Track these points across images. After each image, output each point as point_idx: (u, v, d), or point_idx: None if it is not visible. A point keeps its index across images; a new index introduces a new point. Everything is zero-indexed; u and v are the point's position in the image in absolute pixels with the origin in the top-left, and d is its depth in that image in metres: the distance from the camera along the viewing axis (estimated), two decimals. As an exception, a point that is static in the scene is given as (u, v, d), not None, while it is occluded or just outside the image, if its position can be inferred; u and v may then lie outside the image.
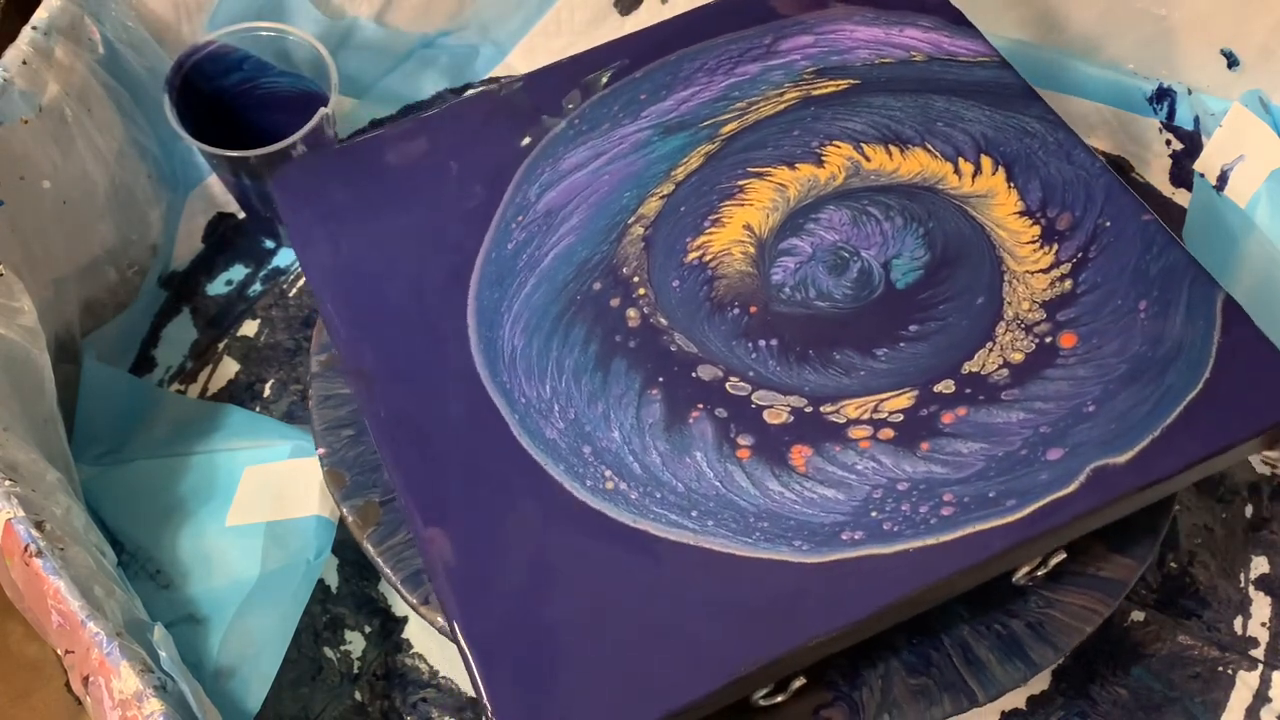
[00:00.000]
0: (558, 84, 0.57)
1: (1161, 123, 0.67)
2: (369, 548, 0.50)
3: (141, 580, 0.54)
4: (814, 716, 0.47)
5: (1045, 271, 0.50)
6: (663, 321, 0.49)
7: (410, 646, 0.55)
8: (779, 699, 0.45)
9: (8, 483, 0.46)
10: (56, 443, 0.54)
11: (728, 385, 0.47)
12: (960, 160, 0.53)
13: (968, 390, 0.46)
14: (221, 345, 0.65)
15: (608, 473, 0.45)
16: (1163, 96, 0.67)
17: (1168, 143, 0.67)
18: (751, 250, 0.51)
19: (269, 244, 0.68)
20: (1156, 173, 0.68)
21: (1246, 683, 0.54)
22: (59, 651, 0.46)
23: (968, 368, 0.47)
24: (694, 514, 0.44)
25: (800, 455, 0.45)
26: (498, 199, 0.53)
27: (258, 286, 0.67)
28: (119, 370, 0.62)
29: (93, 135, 0.59)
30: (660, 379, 0.47)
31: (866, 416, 0.46)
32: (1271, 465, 0.59)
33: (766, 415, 0.46)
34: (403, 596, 0.49)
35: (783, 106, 0.55)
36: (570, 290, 0.50)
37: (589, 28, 0.72)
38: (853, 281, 0.50)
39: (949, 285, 0.49)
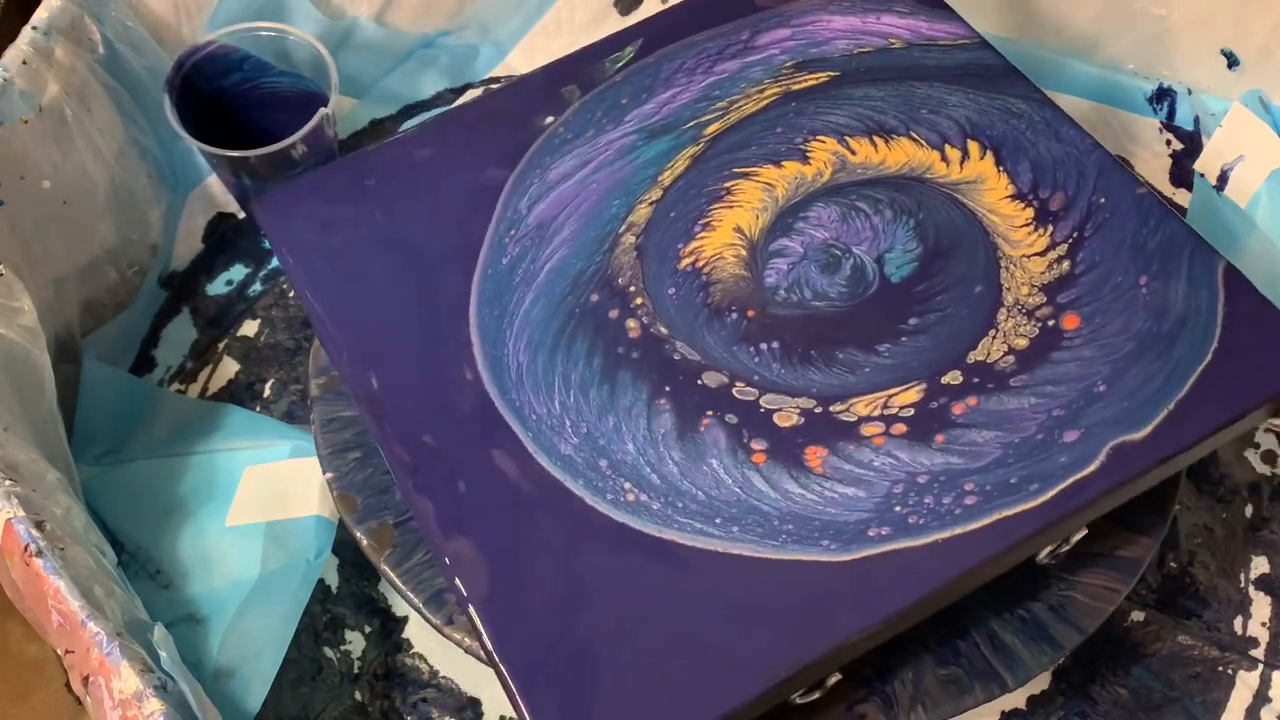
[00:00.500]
0: (540, 91, 0.56)
1: (1161, 123, 0.67)
2: (387, 571, 0.50)
3: (141, 580, 0.54)
4: (848, 713, 0.47)
5: (1042, 254, 0.49)
6: (663, 330, 0.48)
7: (410, 646, 0.55)
8: (815, 695, 0.45)
9: (8, 483, 0.46)
10: (56, 443, 0.54)
11: (734, 391, 0.47)
12: (947, 147, 0.53)
13: (975, 379, 0.46)
14: (221, 345, 0.65)
15: (627, 485, 0.45)
16: (1163, 96, 0.67)
17: (1168, 143, 0.67)
18: (744, 253, 0.51)
19: (269, 244, 0.68)
20: (1156, 173, 0.68)
21: (1246, 683, 0.54)
22: (59, 651, 0.46)
23: (973, 357, 0.47)
24: (717, 521, 0.44)
25: (816, 456, 0.45)
26: (489, 213, 0.52)
27: (258, 286, 0.67)
28: (119, 370, 0.62)
29: (93, 135, 0.59)
30: (667, 388, 0.47)
31: (877, 413, 0.46)
32: (1271, 466, 0.59)
33: (776, 418, 0.46)
34: (426, 619, 0.49)
35: (764, 104, 0.55)
36: (569, 304, 0.49)
37: (589, 28, 0.72)
38: (846, 279, 0.50)
39: (944, 276, 0.49)
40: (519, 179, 0.53)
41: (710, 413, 0.46)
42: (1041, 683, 0.54)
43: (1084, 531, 0.48)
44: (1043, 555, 0.48)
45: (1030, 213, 0.50)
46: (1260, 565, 0.57)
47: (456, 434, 0.46)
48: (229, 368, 0.64)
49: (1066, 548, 0.48)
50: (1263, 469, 0.59)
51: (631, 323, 0.49)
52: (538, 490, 0.45)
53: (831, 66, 0.56)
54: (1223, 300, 0.47)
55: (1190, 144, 0.66)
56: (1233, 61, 0.63)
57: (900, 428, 0.45)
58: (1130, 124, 0.68)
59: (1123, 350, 0.47)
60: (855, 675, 0.47)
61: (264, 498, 0.56)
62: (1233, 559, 0.57)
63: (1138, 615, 0.55)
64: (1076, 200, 0.51)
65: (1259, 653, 0.54)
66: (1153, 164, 0.68)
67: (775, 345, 0.48)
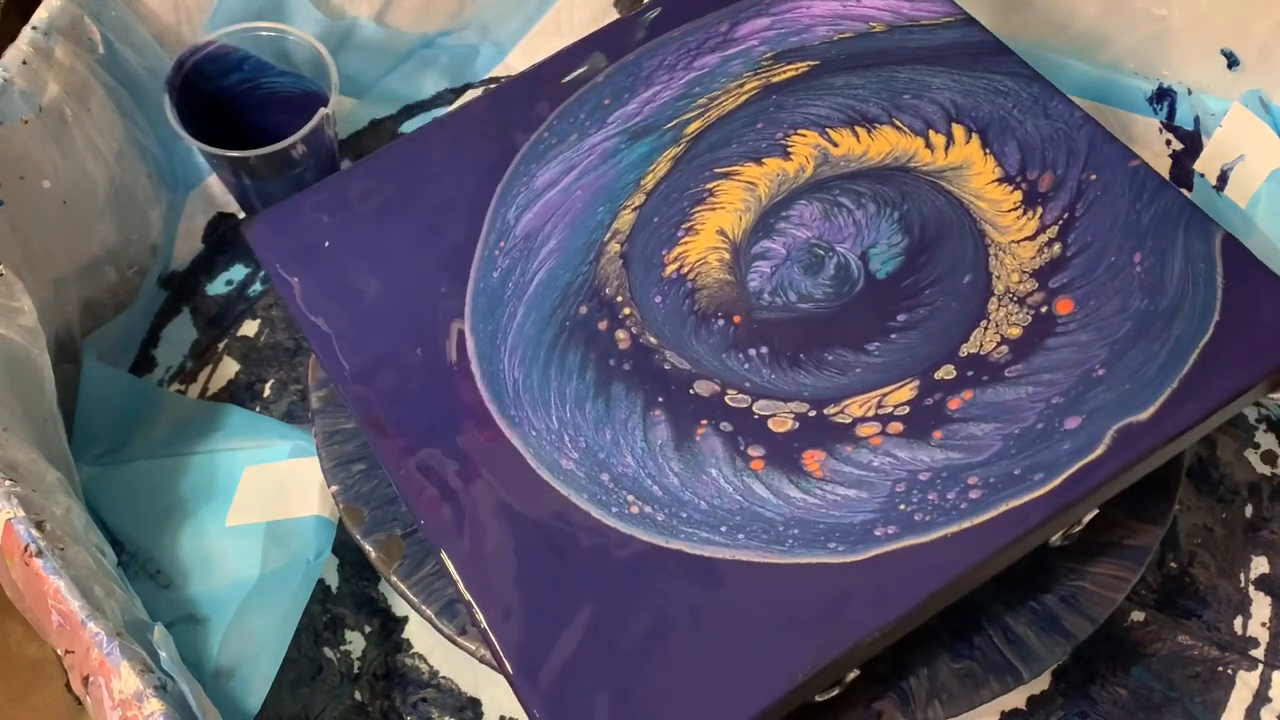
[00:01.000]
0: (524, 96, 0.55)
1: (1161, 123, 0.67)
2: (398, 583, 0.50)
3: (141, 580, 0.54)
4: (866, 710, 0.47)
5: (1031, 239, 0.49)
6: (652, 340, 0.48)
7: (410, 646, 0.55)
8: (834, 692, 0.45)
9: (8, 483, 0.46)
10: (56, 443, 0.54)
11: (727, 399, 0.46)
12: (931, 133, 0.52)
13: (970, 373, 0.46)
14: (221, 345, 0.65)
15: (630, 498, 0.44)
16: (1163, 96, 0.67)
17: (1168, 143, 0.67)
18: (727, 256, 0.50)
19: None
20: (1156, 173, 0.68)
21: (1246, 683, 0.54)
22: (59, 651, 0.46)
23: (965, 350, 0.47)
24: (723, 529, 0.43)
25: (814, 460, 0.45)
26: (479, 225, 0.52)
27: (258, 286, 0.67)
28: (119, 370, 0.62)
29: (93, 135, 0.59)
30: (660, 399, 0.46)
31: (872, 413, 0.46)
32: (1272, 466, 0.59)
33: (771, 424, 0.46)
34: (439, 630, 0.49)
35: (744, 99, 0.54)
36: (559, 316, 0.49)
37: (589, 28, 0.72)
38: (831, 278, 0.49)
39: (932, 268, 0.49)
40: (506, 188, 0.53)
41: (705, 422, 0.46)
42: (1041, 683, 0.53)
43: (1096, 511, 0.47)
44: (1055, 538, 0.48)
45: (1018, 196, 0.50)
46: (1260, 565, 0.57)
47: (460, 451, 0.46)
48: (229, 368, 0.64)
49: (1079, 528, 0.48)
50: (1263, 469, 0.59)
51: (621, 334, 0.48)
52: (544, 506, 0.44)
53: (811, 55, 0.55)
54: (1221, 272, 0.47)
55: (1190, 144, 0.66)
56: (1233, 61, 0.63)
57: (897, 426, 0.45)
58: (1130, 124, 0.68)
59: (1120, 332, 0.46)
60: (871, 673, 0.47)
61: (264, 498, 0.56)
62: (1233, 559, 0.57)
63: (1138, 615, 0.55)
64: (1066, 179, 0.50)
65: (1259, 653, 0.54)
66: (1153, 164, 0.68)
67: (764, 350, 0.47)
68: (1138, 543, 0.50)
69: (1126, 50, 0.66)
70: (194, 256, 0.67)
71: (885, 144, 0.52)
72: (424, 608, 0.49)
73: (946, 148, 0.52)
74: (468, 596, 0.43)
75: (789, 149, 0.53)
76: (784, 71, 0.55)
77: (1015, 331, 0.47)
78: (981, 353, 0.46)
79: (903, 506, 0.43)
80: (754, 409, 0.46)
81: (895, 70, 0.54)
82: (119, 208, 0.61)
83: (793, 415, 0.46)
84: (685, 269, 0.50)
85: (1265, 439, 0.60)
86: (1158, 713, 0.53)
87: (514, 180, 0.53)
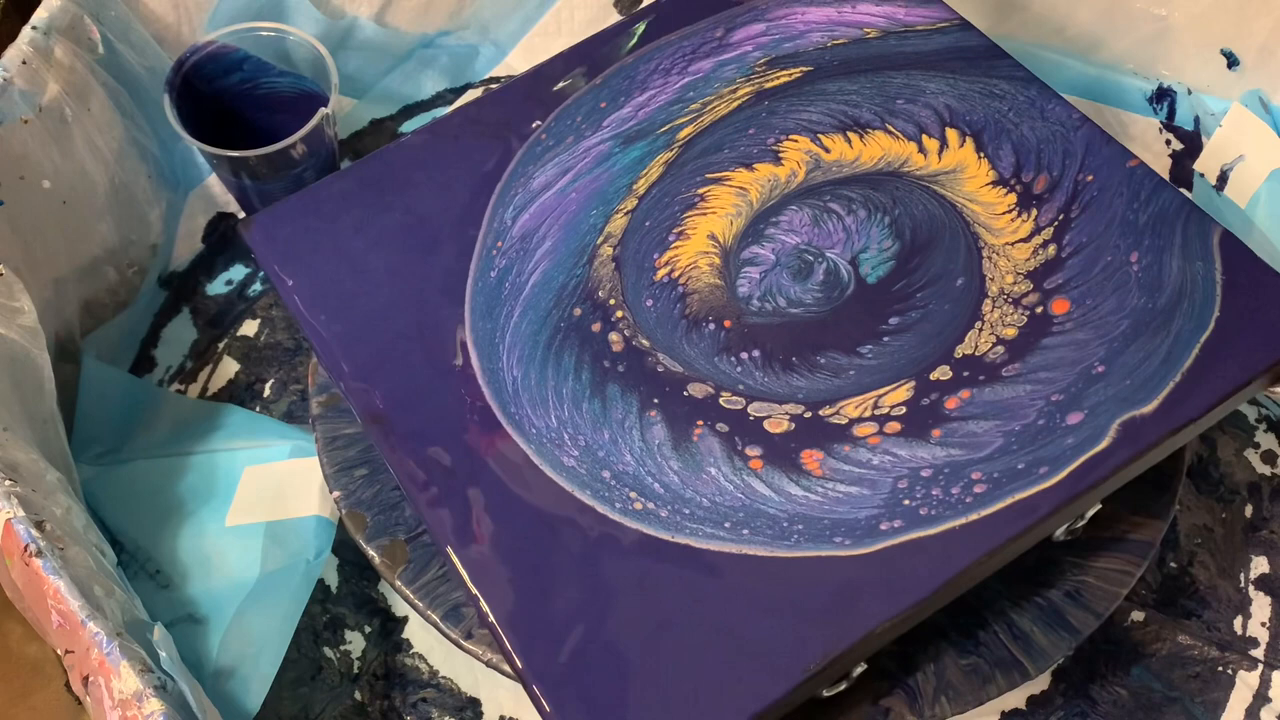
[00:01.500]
0: (522, 97, 0.56)
1: (1161, 123, 0.67)
2: (402, 587, 0.50)
3: (141, 580, 0.54)
4: (874, 707, 0.47)
5: (1026, 240, 0.49)
6: (645, 343, 0.48)
7: (410, 646, 0.55)
8: (842, 686, 0.45)
9: (8, 483, 0.46)
10: (56, 443, 0.54)
11: (721, 400, 0.46)
12: (924, 138, 0.52)
13: (965, 373, 0.46)
14: (221, 345, 0.65)
15: (632, 494, 0.44)
16: (1163, 96, 0.67)
17: (1168, 143, 0.67)
18: (717, 261, 0.50)
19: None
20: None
21: (1246, 683, 0.54)
22: (59, 651, 0.46)
23: (960, 351, 0.47)
24: (727, 525, 0.43)
25: (812, 459, 0.45)
26: (478, 224, 0.52)
27: (258, 286, 0.67)
28: (119, 370, 0.62)
29: (93, 135, 0.59)
30: (655, 400, 0.46)
31: (868, 414, 0.46)
32: (1271, 466, 0.59)
33: (767, 425, 0.46)
34: (445, 634, 0.49)
35: (736, 104, 0.54)
36: (554, 318, 0.49)
37: (589, 28, 0.72)
38: (820, 284, 0.49)
39: (923, 272, 0.49)
40: (504, 188, 0.53)
41: (701, 423, 0.46)
42: (1041, 683, 0.53)
43: (1099, 506, 0.47)
44: (1059, 533, 0.48)
45: (1012, 199, 0.50)
46: (1260, 565, 0.57)
47: (463, 448, 0.46)
48: (229, 368, 0.64)
49: (1082, 523, 0.48)
50: (1263, 469, 0.59)
51: (614, 336, 0.48)
52: (549, 501, 0.44)
53: (805, 61, 0.55)
54: (1220, 269, 0.47)
55: (1190, 144, 0.66)
56: (1233, 61, 0.63)
57: (894, 426, 0.45)
58: (1130, 124, 0.68)
59: (1118, 330, 0.46)
60: (878, 669, 0.47)
61: (264, 498, 0.56)
62: (1233, 559, 0.57)
63: (1138, 615, 0.55)
64: (1062, 180, 0.50)
65: (1259, 653, 0.54)
66: (1153, 164, 0.68)
67: (756, 354, 0.47)
68: (1141, 537, 0.50)
69: (1126, 50, 0.66)
70: (194, 256, 0.67)
71: (878, 149, 0.52)
72: (429, 613, 0.49)
73: (940, 152, 0.52)
74: (475, 591, 0.43)
75: (780, 154, 0.53)
76: (777, 77, 0.55)
77: (1010, 332, 0.47)
78: (977, 353, 0.46)
79: (907, 501, 0.43)
80: (749, 410, 0.46)
81: (889, 75, 0.54)
82: (119, 208, 0.61)
83: (788, 416, 0.46)
84: (676, 273, 0.50)
85: (1265, 439, 0.60)
86: (1158, 713, 0.53)
87: (511, 181, 0.53)
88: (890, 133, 0.52)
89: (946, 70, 0.54)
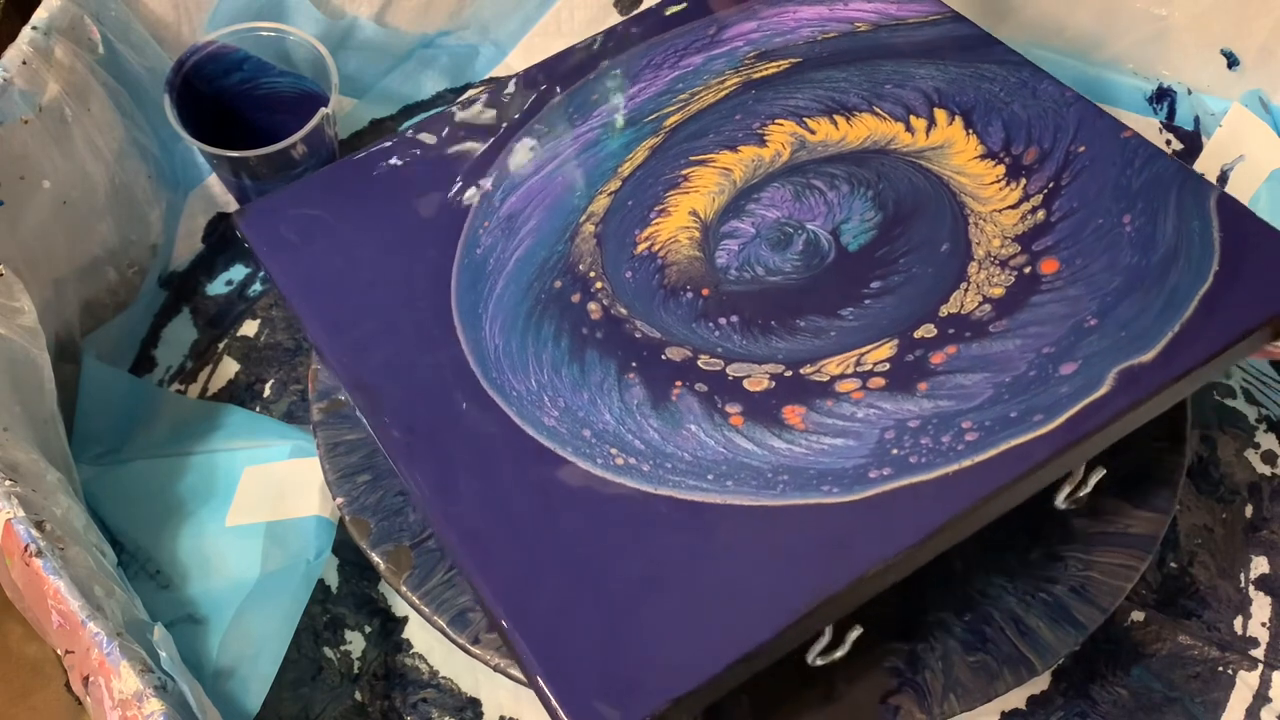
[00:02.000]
0: (518, 94, 0.57)
1: (1161, 123, 0.67)
2: (408, 593, 0.50)
3: (141, 580, 0.54)
4: (883, 705, 0.47)
5: (1014, 207, 0.49)
6: (622, 311, 0.49)
7: (410, 646, 0.55)
8: (837, 654, 0.45)
9: (8, 483, 0.46)
10: (56, 443, 0.54)
11: (699, 362, 0.47)
12: (912, 118, 0.52)
13: (951, 330, 0.46)
14: (221, 345, 0.65)
15: (614, 450, 0.45)
16: (1163, 96, 0.67)
17: (1168, 143, 0.67)
18: (697, 235, 0.51)
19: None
20: (1156, 173, 0.68)
21: (1246, 683, 0.54)
22: (59, 651, 0.46)
23: (945, 310, 0.47)
24: (710, 477, 0.44)
25: (794, 414, 0.45)
26: (466, 209, 0.53)
27: (258, 286, 0.67)
28: (119, 370, 0.62)
29: (93, 135, 0.59)
30: (633, 364, 0.47)
31: (850, 371, 0.46)
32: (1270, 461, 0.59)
33: (747, 384, 0.46)
34: (451, 639, 0.49)
35: (724, 94, 0.55)
36: (535, 290, 0.50)
37: (589, 28, 0.72)
38: (799, 253, 0.49)
39: (906, 239, 0.49)
40: (495, 176, 0.54)
41: (680, 383, 0.46)
42: (1041, 683, 0.53)
43: (1102, 473, 0.47)
44: (1062, 500, 0.48)
45: (1001, 169, 0.50)
46: (1260, 565, 0.57)
47: (447, 413, 0.46)
48: (229, 368, 0.64)
49: (1086, 490, 0.48)
50: (1263, 469, 0.59)
51: (593, 305, 0.49)
52: (531, 460, 0.45)
53: (794, 54, 0.56)
54: (1218, 227, 0.47)
55: (1190, 144, 0.66)
56: (1233, 61, 0.63)
57: (878, 381, 0.45)
58: (1130, 124, 0.68)
59: (1110, 286, 0.46)
60: (884, 665, 0.48)
61: (264, 498, 0.56)
62: (1233, 559, 0.57)
63: (1138, 615, 0.55)
64: (1053, 151, 0.50)
65: (1259, 653, 0.54)
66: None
67: (734, 319, 0.48)
68: (1144, 531, 0.50)
69: (1126, 50, 0.67)
70: (194, 256, 0.67)
71: (864, 130, 0.52)
72: (436, 618, 0.49)
73: (928, 130, 0.52)
74: (458, 550, 0.43)
75: (765, 137, 0.53)
76: (765, 69, 0.56)
77: (998, 291, 0.47)
78: (963, 312, 0.46)
79: (895, 451, 0.43)
80: (727, 371, 0.46)
81: (879, 64, 0.54)
82: (119, 208, 0.61)
83: (768, 375, 0.46)
84: (656, 247, 0.51)
85: (1265, 439, 0.60)
86: (1158, 713, 0.53)
87: (502, 170, 0.54)
88: (877, 114, 0.53)
89: (937, 58, 0.54)
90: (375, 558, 0.51)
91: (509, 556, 0.43)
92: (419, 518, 0.52)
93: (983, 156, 0.50)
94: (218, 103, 0.64)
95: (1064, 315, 0.46)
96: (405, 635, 0.55)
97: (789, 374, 0.46)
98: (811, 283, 0.48)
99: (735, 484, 0.43)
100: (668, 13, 0.59)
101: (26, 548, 0.44)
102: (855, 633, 0.45)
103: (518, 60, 0.73)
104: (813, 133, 0.53)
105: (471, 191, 0.53)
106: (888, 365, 0.45)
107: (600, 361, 0.47)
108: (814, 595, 0.40)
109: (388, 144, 0.55)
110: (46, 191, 0.57)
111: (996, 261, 0.47)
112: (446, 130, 0.56)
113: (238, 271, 0.67)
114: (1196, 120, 0.65)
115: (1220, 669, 0.54)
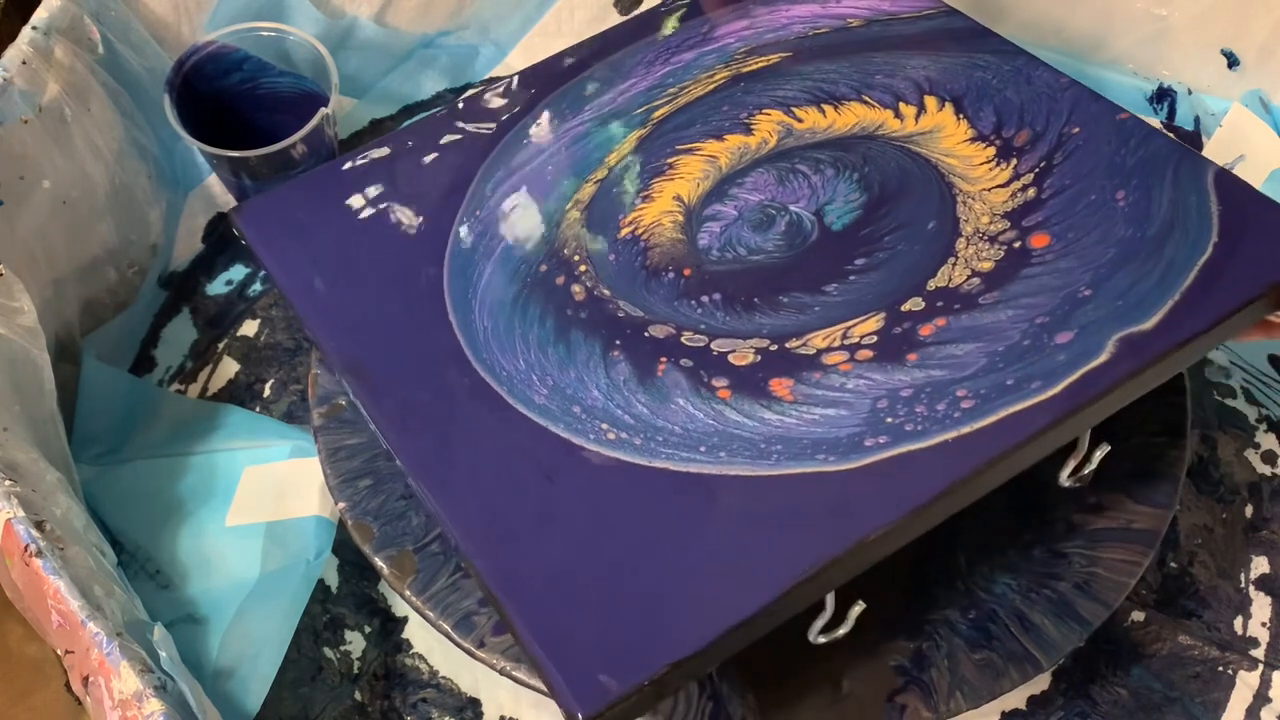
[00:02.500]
0: (514, 92, 0.58)
1: (1162, 123, 0.67)
2: (412, 598, 0.50)
3: (141, 580, 0.54)
4: (890, 703, 0.47)
5: (1004, 186, 0.49)
6: (606, 292, 0.49)
7: (410, 646, 0.55)
8: (839, 632, 0.45)
9: (8, 483, 0.46)
10: (56, 443, 0.54)
11: (683, 339, 0.47)
12: (901, 105, 0.53)
13: (939, 304, 0.46)
14: (221, 345, 0.65)
15: (604, 425, 0.45)
16: (1163, 96, 0.67)
17: (1168, 143, 0.67)
18: (681, 219, 0.51)
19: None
20: (1156, 173, 0.68)
21: (1246, 683, 0.54)
22: (59, 651, 0.46)
23: (933, 284, 0.47)
24: (702, 449, 0.44)
25: (782, 386, 0.45)
26: (460, 200, 0.53)
27: (257, 286, 0.67)
28: (119, 370, 0.62)
29: (92, 135, 0.59)
30: (618, 342, 0.48)
31: (837, 344, 0.46)
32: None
33: (732, 359, 0.46)
34: (456, 643, 0.49)
35: (712, 87, 0.56)
36: (522, 273, 0.51)
37: (589, 28, 0.72)
38: (781, 234, 0.50)
39: (893, 218, 0.49)
40: (488, 169, 0.55)
41: (664, 359, 0.47)
42: (1042, 683, 0.53)
43: (1106, 449, 0.47)
44: (1066, 478, 0.48)
45: (991, 151, 0.50)
46: (1260, 565, 0.57)
47: (439, 392, 0.47)
48: (229, 368, 0.64)
49: (1090, 467, 0.48)
50: (1263, 469, 0.59)
51: (576, 287, 0.50)
52: (524, 436, 0.45)
53: (784, 49, 0.56)
54: (1215, 201, 0.47)
55: (1190, 144, 0.66)
56: (1233, 61, 0.63)
57: (866, 353, 0.45)
58: (1130, 124, 0.68)
59: (1104, 257, 0.46)
60: (890, 665, 0.48)
61: (264, 498, 0.56)
62: (1233, 559, 0.57)
63: (1138, 615, 0.55)
64: (1046, 133, 0.50)
65: (1259, 653, 0.54)
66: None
67: (717, 297, 0.48)
68: (1146, 526, 0.50)
69: (1126, 50, 0.67)
70: (194, 256, 0.67)
71: (852, 117, 0.53)
72: (440, 622, 0.49)
73: (917, 116, 0.52)
74: (451, 526, 0.43)
75: (752, 126, 0.54)
76: (755, 63, 0.56)
77: (987, 265, 0.47)
78: (951, 285, 0.46)
79: (889, 419, 0.43)
80: (711, 346, 0.47)
81: (870, 56, 0.55)
82: (119, 208, 0.61)
83: (753, 349, 0.46)
84: (639, 230, 0.51)
85: (1265, 439, 0.60)
86: (1158, 713, 0.53)
87: (495, 162, 0.55)
88: (866, 102, 0.53)
89: (930, 49, 0.54)
90: (379, 563, 0.51)
91: (504, 532, 0.43)
92: (422, 520, 0.52)
93: (973, 140, 0.51)
94: (218, 103, 0.64)
95: (1056, 286, 0.46)
96: (405, 635, 0.55)
97: (774, 348, 0.46)
98: (794, 261, 0.49)
99: (729, 455, 0.43)
100: (668, 16, 0.59)
101: (26, 548, 0.44)
102: (858, 608, 0.44)
103: (518, 60, 0.73)
104: (800, 121, 0.53)
105: (463, 183, 0.54)
106: (875, 338, 0.46)
107: (585, 341, 0.48)
108: (815, 558, 0.40)
109: (384, 142, 0.56)
110: (46, 191, 0.57)
111: (985, 237, 0.47)
112: (440, 127, 0.56)
113: (238, 271, 0.67)
114: (1196, 120, 0.65)
115: (1220, 669, 0.54)
